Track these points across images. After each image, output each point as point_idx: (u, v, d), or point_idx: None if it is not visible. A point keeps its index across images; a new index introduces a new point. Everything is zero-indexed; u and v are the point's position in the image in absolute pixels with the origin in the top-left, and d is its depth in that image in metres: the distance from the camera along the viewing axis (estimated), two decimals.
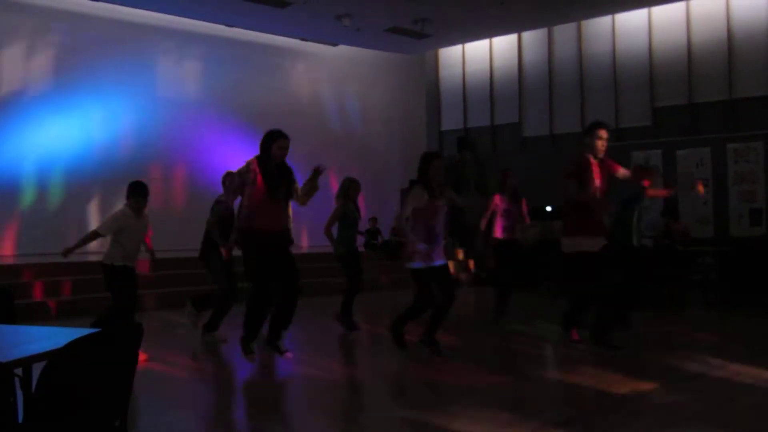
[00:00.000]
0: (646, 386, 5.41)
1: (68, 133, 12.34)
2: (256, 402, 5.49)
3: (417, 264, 6.33)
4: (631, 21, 13.78)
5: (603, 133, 6.59)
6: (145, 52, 13.38)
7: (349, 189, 7.97)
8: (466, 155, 15.49)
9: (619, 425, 4.51)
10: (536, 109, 15.14)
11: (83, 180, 12.48)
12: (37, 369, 2.68)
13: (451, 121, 16.62)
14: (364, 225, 12.81)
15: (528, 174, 10.33)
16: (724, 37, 12.74)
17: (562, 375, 6.18)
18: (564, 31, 14.75)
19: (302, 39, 15.11)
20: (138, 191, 6.71)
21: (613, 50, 14.07)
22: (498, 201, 8.62)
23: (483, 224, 8.77)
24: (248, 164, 6.06)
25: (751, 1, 12.52)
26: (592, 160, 6.60)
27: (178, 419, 4.86)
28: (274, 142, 6.04)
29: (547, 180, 12.48)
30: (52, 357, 2.64)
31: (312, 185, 6.25)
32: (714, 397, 5.27)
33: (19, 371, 3.02)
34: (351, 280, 8.04)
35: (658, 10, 13.50)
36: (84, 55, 12.75)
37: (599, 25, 14.27)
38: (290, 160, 6.28)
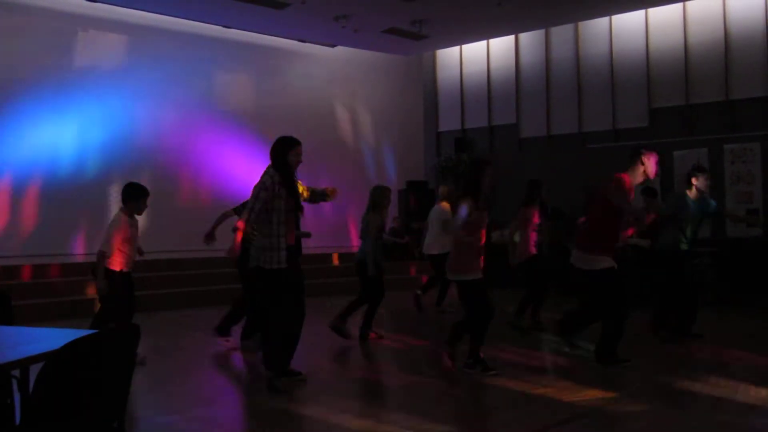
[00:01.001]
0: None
1: (66, 133, 12.32)
2: (255, 403, 5.50)
3: (470, 276, 6.01)
4: (628, 22, 13.79)
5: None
6: (142, 53, 13.36)
7: (381, 198, 7.79)
8: (464, 157, 15.48)
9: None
10: (533, 110, 15.14)
11: (82, 180, 12.46)
12: (34, 370, 2.68)
13: (448, 122, 16.62)
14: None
15: (525, 175, 10.25)
16: (721, 38, 12.75)
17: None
18: (561, 33, 14.76)
19: (300, 40, 15.11)
20: (137, 194, 6.49)
21: (611, 51, 14.08)
22: (529, 214, 8.41)
23: (514, 237, 8.53)
24: (272, 177, 5.56)
25: (747, 3, 12.53)
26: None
27: (177, 420, 4.87)
28: (290, 150, 5.63)
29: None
30: (49, 358, 2.64)
31: (323, 199, 6.05)
32: (708, 401, 5.28)
33: (16, 373, 3.02)
34: (372, 289, 7.84)
35: (655, 12, 13.51)
36: (82, 55, 12.74)
37: (596, 27, 14.28)
38: None
